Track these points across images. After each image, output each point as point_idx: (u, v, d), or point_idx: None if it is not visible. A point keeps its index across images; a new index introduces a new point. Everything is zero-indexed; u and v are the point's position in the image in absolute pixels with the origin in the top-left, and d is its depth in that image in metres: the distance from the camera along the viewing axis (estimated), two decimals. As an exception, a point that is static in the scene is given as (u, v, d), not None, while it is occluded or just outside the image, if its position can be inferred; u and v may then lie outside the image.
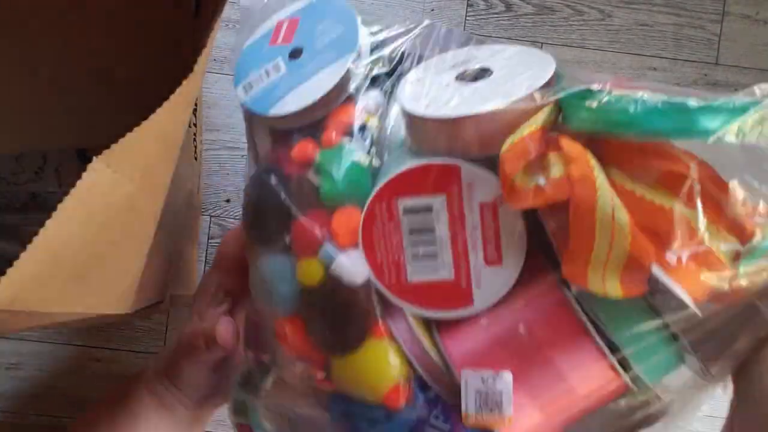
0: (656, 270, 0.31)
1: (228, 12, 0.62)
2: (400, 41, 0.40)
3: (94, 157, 0.26)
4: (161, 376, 0.49)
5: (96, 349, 0.59)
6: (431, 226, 0.36)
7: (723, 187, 0.31)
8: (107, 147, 0.27)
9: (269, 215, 0.38)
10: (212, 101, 0.61)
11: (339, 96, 0.39)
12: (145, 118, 0.29)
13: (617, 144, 0.32)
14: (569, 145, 0.31)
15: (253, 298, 0.40)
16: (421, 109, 0.35)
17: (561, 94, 0.33)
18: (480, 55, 0.39)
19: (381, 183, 0.35)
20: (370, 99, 0.39)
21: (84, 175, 0.26)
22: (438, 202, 0.35)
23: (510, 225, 0.35)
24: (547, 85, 0.34)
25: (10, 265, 0.25)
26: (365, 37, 0.40)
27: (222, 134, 0.61)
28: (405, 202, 0.36)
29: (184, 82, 0.29)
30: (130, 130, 0.28)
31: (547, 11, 0.61)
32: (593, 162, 0.31)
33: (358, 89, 0.39)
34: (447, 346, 0.36)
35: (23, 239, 0.25)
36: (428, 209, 0.36)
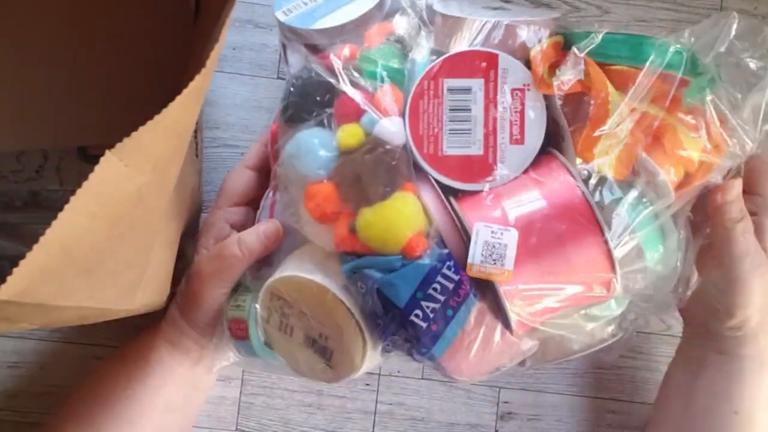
0: (644, 156, 0.41)
1: (227, 10, 0.62)
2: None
3: (107, 151, 0.26)
4: (176, 319, 0.50)
5: (97, 347, 0.59)
6: (468, 105, 0.43)
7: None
8: (108, 146, 0.28)
9: (314, 93, 0.44)
10: (211, 99, 0.61)
11: (374, 18, 0.46)
12: (147, 115, 0.29)
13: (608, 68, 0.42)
14: (587, 58, 0.41)
15: (283, 176, 0.45)
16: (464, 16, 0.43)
17: (573, 29, 0.43)
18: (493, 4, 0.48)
19: (430, 65, 0.43)
20: (401, 21, 0.46)
21: (96, 168, 0.26)
22: (477, 84, 0.43)
23: (534, 110, 0.42)
24: (555, 20, 0.44)
25: (12, 263, 0.25)
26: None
27: (221, 132, 0.61)
28: (450, 82, 0.43)
29: (197, 77, 0.29)
30: (132, 127, 0.28)
31: (544, 7, 0.62)
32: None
33: (389, 15, 0.47)
34: (466, 213, 0.42)
35: (24, 238, 0.25)
36: (468, 90, 0.43)
